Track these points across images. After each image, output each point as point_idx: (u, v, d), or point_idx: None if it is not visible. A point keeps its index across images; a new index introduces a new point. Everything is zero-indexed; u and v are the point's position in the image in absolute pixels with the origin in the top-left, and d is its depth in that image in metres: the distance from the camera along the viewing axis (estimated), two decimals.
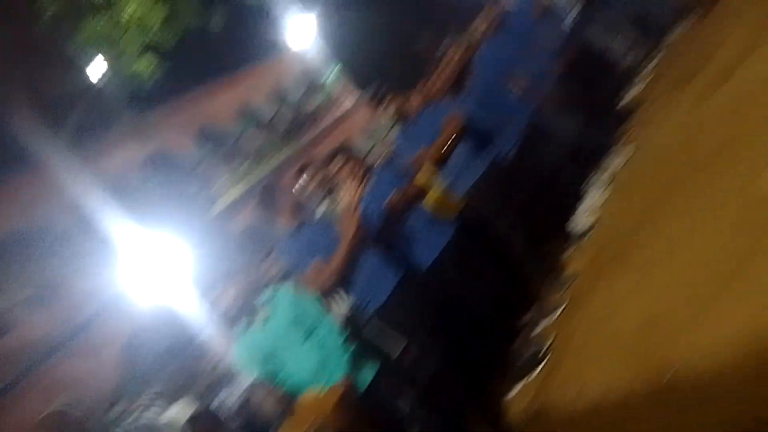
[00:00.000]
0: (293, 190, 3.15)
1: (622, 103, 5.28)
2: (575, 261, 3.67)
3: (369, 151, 17.56)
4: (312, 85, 21.58)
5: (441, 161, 3.66)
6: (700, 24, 5.21)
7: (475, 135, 3.83)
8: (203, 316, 2.72)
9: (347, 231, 2.98)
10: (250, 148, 17.10)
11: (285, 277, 3.51)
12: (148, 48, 6.47)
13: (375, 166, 4.09)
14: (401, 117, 3.85)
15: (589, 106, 4.62)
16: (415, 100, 4.07)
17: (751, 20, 4.06)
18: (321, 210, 4.09)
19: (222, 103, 17.89)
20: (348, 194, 3.46)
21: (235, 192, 15.15)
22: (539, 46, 4.81)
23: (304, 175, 3.54)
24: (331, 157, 3.42)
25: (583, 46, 5.22)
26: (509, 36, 4.69)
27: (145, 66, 6.38)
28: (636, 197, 3.60)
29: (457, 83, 4.14)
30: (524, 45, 4.72)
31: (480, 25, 4.90)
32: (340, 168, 3.36)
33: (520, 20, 5.08)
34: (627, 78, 5.65)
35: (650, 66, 5.60)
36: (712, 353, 2.01)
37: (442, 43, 6.95)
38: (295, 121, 19.17)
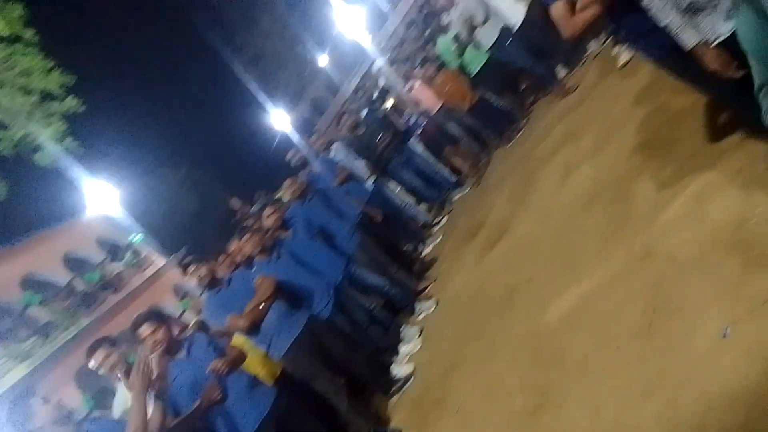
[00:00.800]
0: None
1: (421, 257, 5.80)
2: (399, 410, 3.68)
3: (179, 317, 16.45)
4: (113, 251, 20.10)
5: (255, 325, 3.56)
6: (475, 190, 6.16)
7: (289, 295, 3.84)
8: None
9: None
10: (38, 322, 14.84)
11: None
12: None
13: (185, 335, 3.82)
14: (211, 281, 3.72)
15: (393, 261, 4.99)
16: (225, 264, 4.01)
17: (507, 192, 5.03)
18: (118, 391, 3.62)
19: (2, 274, 15.61)
20: (155, 366, 3.13)
21: (18, 372, 12.85)
22: (344, 207, 5.22)
23: (99, 352, 3.14)
24: (136, 326, 3.09)
25: (383, 207, 5.77)
26: (316, 198, 5.02)
27: None
28: (443, 344, 3.85)
29: (267, 245, 4.20)
30: (330, 206, 5.07)
31: (288, 189, 5.16)
32: (147, 337, 3.05)
33: (326, 184, 5.51)
34: (422, 235, 6.30)
35: (439, 225, 6.34)
36: None
37: (251, 206, 7.14)
38: (92, 290, 17.33)
